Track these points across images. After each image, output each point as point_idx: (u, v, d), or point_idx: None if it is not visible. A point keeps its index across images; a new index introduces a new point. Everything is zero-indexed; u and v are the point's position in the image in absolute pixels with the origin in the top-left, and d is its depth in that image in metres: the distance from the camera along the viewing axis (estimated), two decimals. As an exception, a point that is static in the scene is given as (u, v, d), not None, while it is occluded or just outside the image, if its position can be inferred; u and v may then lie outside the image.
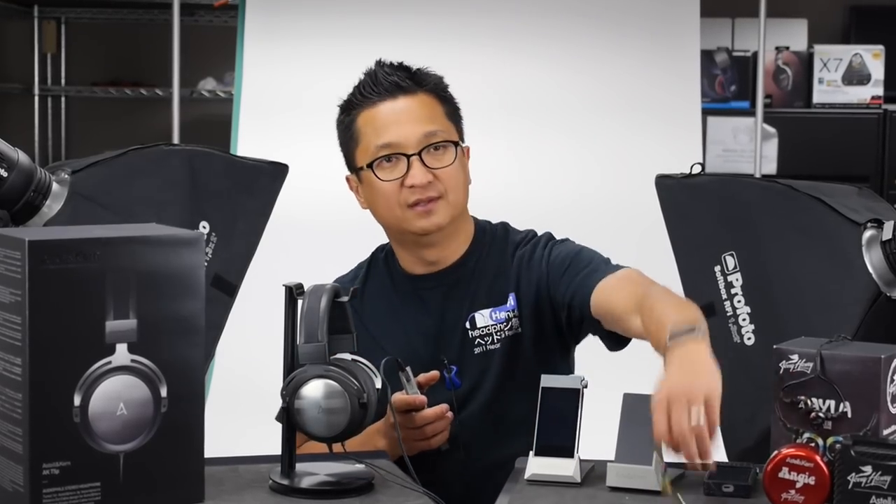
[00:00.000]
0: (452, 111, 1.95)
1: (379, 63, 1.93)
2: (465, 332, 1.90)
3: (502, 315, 1.91)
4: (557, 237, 1.97)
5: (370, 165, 1.89)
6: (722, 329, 1.71)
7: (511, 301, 1.91)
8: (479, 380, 1.90)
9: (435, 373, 1.81)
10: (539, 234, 1.98)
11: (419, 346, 1.90)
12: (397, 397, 1.75)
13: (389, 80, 1.89)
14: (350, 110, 1.93)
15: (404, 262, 1.96)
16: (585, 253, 1.91)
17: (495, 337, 1.90)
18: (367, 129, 1.90)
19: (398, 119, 1.88)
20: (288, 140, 3.16)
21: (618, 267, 1.85)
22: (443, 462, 1.86)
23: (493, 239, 1.97)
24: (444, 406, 1.78)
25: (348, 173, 1.97)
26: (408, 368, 1.77)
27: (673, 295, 1.70)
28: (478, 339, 1.90)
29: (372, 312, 1.94)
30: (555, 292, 1.88)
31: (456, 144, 1.91)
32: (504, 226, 2.00)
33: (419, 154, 1.87)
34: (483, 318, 1.90)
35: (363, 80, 1.92)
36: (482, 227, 1.98)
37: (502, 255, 1.94)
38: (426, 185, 1.87)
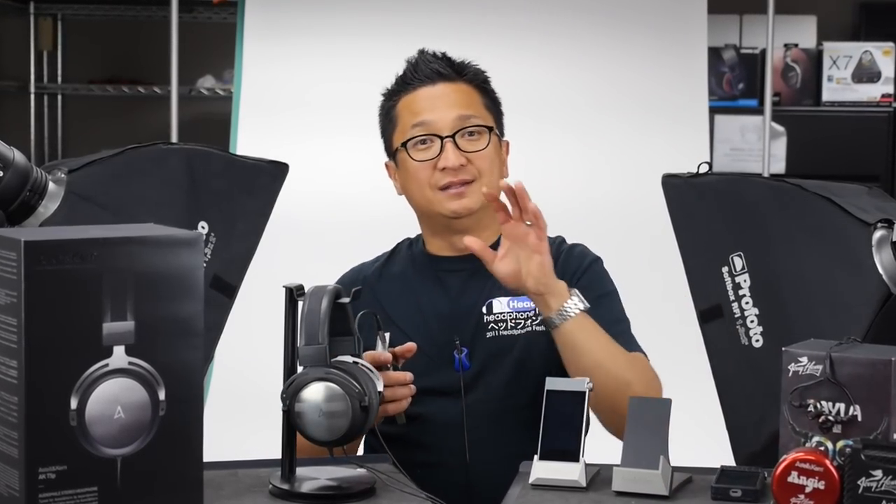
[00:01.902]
0: (491, 103, 2.00)
1: (421, 52, 1.99)
2: (480, 316, 1.92)
3: (526, 305, 1.91)
4: (575, 245, 2.01)
5: (405, 145, 1.93)
6: (730, 331, 1.69)
7: None
8: (489, 364, 1.90)
9: (411, 345, 1.78)
10: (565, 239, 2.01)
11: (433, 326, 1.91)
12: (366, 353, 1.73)
13: (430, 66, 1.95)
14: (391, 97, 1.99)
15: (431, 247, 1.99)
16: (616, 304, 1.94)
17: (510, 324, 1.91)
18: (404, 112, 1.95)
19: (435, 103, 1.93)
20: (288, 139, 3.15)
21: (633, 348, 1.89)
22: (445, 446, 1.86)
23: None
24: (408, 374, 1.75)
25: (387, 160, 2.00)
26: (386, 334, 1.75)
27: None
28: (492, 324, 1.91)
29: (388, 291, 1.97)
30: None
31: (491, 130, 1.95)
32: None
33: (453, 136, 1.91)
34: (500, 304, 1.92)
35: (405, 68, 1.98)
36: None
37: None
38: (458, 168, 1.90)
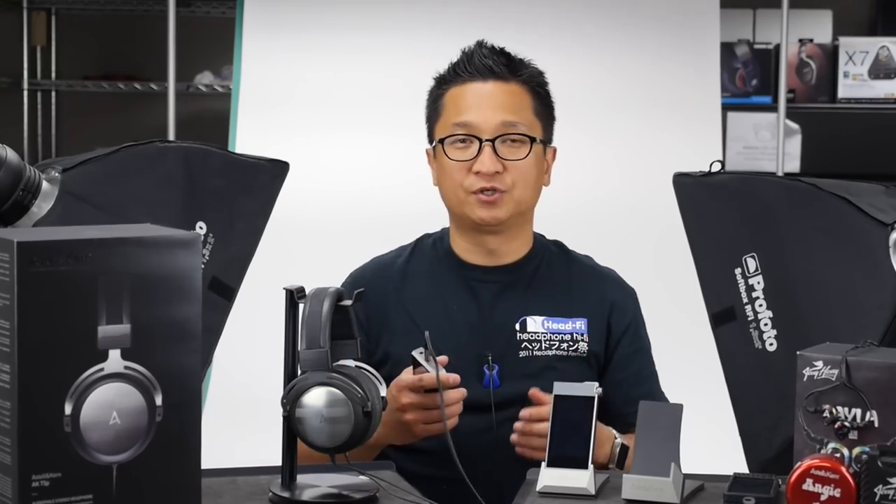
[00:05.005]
0: (542, 108, 1.96)
1: (479, 43, 1.95)
2: (513, 333, 1.89)
3: (561, 327, 1.89)
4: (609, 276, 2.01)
5: (442, 141, 1.90)
6: (743, 334, 1.67)
7: (581, 325, 1.91)
8: (521, 384, 1.85)
9: (444, 358, 1.74)
10: (564, 245, 2.00)
11: (462, 336, 1.88)
12: (427, 377, 1.70)
13: (484, 62, 1.91)
14: (442, 84, 1.96)
15: (460, 249, 1.95)
16: (649, 358, 1.98)
17: (544, 345, 1.89)
18: (450, 105, 1.93)
19: (481, 102, 1.90)
20: (288, 137, 3.14)
21: None
22: (474, 462, 1.81)
23: (551, 252, 1.98)
24: (462, 390, 1.74)
25: (428, 146, 1.98)
26: (421, 350, 1.72)
27: None
28: (525, 343, 1.89)
29: (413, 290, 1.93)
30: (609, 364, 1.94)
31: (534, 140, 1.91)
32: (560, 243, 2.01)
33: (493, 141, 1.87)
34: (535, 323, 1.89)
35: (459, 58, 1.94)
36: (540, 238, 1.99)
37: (563, 270, 1.95)
38: (493, 175, 1.87)
